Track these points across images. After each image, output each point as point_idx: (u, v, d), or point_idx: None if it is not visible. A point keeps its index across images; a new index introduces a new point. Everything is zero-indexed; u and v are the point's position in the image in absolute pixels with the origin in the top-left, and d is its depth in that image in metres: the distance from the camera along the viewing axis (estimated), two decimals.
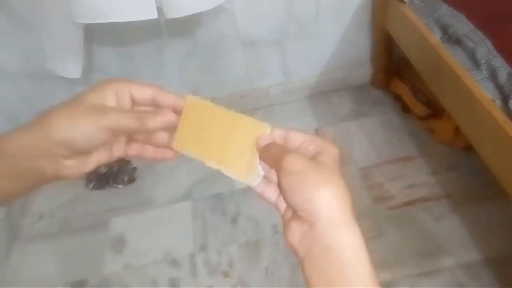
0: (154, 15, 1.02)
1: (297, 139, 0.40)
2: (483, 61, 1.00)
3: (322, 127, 1.52)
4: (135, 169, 1.45)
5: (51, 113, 0.39)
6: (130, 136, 0.45)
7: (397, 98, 1.54)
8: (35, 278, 1.21)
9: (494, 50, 1.01)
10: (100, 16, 1.00)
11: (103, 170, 1.43)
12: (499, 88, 0.94)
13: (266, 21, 1.45)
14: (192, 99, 0.44)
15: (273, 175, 0.41)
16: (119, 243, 1.27)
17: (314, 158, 0.37)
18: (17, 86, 1.43)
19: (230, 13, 1.38)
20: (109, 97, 0.41)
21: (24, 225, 1.36)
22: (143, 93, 0.43)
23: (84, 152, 0.41)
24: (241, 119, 0.42)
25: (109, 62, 1.43)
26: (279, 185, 0.37)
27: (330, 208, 0.34)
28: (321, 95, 1.64)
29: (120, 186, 1.42)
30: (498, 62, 0.98)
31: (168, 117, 0.42)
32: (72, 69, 1.21)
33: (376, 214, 1.22)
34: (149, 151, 0.45)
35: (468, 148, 1.21)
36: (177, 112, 0.43)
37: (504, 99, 0.92)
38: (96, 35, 1.34)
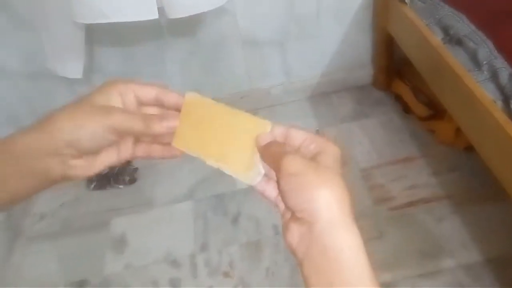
0: (155, 15, 1.02)
1: (298, 137, 0.39)
2: (484, 62, 1.00)
3: (323, 127, 1.52)
4: (136, 169, 1.45)
5: (56, 114, 0.39)
6: (137, 138, 0.44)
7: (398, 98, 1.54)
8: (36, 278, 1.22)
9: (496, 51, 1.00)
10: (101, 17, 1.00)
11: (104, 171, 1.42)
12: (501, 89, 0.94)
13: (267, 22, 1.45)
14: (191, 96, 0.43)
15: (274, 173, 0.40)
16: (120, 243, 1.27)
17: (314, 157, 0.37)
18: (17, 86, 1.43)
19: (231, 13, 1.39)
20: (114, 97, 0.42)
21: (25, 225, 1.36)
22: (147, 93, 0.43)
23: (90, 152, 0.41)
24: (241, 116, 0.41)
25: (110, 62, 1.43)
26: (278, 186, 0.37)
27: (329, 209, 0.34)
28: (322, 95, 1.64)
29: (121, 186, 1.43)
30: (500, 63, 0.98)
31: (174, 123, 0.42)
32: (73, 69, 1.21)
33: (377, 215, 1.22)
34: (157, 150, 0.45)
35: (469, 149, 1.21)
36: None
37: (505, 100, 0.91)
38: (97, 35, 1.34)
